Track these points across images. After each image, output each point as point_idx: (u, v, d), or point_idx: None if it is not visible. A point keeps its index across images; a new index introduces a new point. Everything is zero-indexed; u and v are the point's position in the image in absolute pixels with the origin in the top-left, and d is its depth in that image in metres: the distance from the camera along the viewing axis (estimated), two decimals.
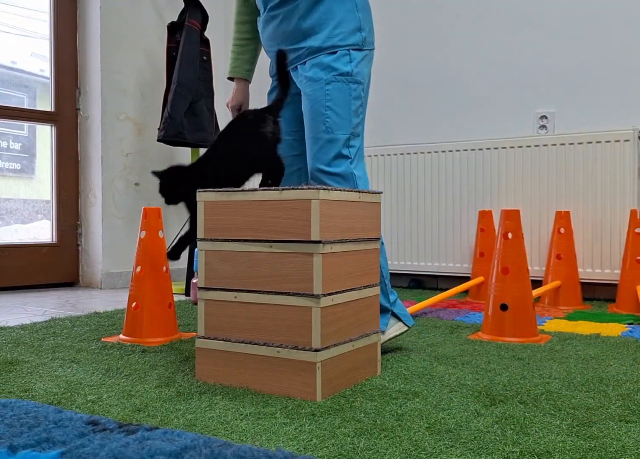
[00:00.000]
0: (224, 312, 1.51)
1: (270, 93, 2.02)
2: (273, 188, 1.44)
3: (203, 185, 1.66)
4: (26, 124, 3.54)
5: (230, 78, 2.12)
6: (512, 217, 2.10)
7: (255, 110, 1.75)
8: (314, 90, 1.82)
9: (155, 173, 1.78)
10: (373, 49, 1.92)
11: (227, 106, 2.11)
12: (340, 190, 1.46)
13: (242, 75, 2.09)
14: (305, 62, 1.84)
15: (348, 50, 1.83)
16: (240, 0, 2.07)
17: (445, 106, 3.45)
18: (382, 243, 1.86)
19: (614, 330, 2.19)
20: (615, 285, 2.83)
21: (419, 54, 3.52)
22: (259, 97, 2.10)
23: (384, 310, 1.86)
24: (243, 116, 1.77)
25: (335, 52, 1.82)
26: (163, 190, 1.78)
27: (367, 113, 3.69)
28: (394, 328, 1.91)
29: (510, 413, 1.28)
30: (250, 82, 2.12)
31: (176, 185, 1.76)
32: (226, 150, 1.73)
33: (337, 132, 1.82)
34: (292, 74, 1.90)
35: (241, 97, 2.11)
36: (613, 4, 3.01)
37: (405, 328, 1.92)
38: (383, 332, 1.87)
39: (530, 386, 1.48)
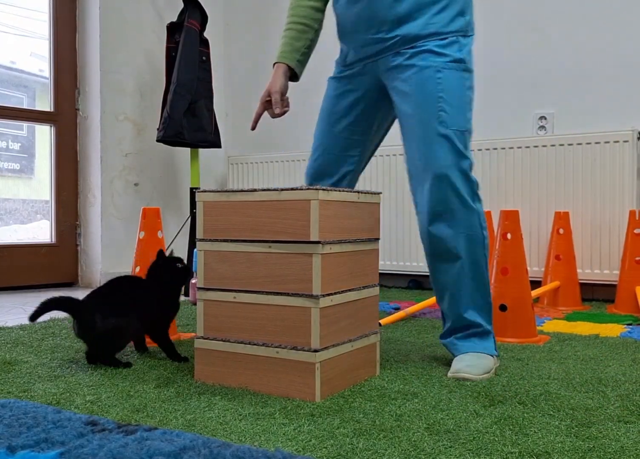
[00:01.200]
0: (223, 312, 1.51)
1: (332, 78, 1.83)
2: (272, 188, 1.44)
3: None
4: (25, 124, 3.54)
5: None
6: (511, 218, 2.10)
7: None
8: (423, 80, 1.59)
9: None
10: (474, 35, 1.71)
11: (267, 94, 1.76)
12: (340, 191, 1.46)
13: (291, 64, 1.77)
14: (399, 52, 1.64)
15: (456, 37, 1.62)
16: None
17: None
18: (485, 256, 1.66)
19: (612, 330, 2.20)
20: (614, 286, 2.83)
21: None
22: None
23: (487, 333, 1.68)
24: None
25: (445, 39, 1.61)
26: None
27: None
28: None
29: (509, 414, 1.28)
30: (297, 77, 1.82)
31: None
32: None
33: (453, 127, 1.58)
34: (373, 66, 1.71)
35: (285, 83, 1.77)
36: (612, 5, 3.01)
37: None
38: (497, 357, 1.69)
39: (529, 387, 1.48)
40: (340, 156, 1.83)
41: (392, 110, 1.83)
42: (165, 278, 1.78)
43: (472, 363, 1.59)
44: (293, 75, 1.81)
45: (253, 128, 1.80)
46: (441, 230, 1.63)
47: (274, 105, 1.75)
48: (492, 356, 1.65)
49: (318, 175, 1.85)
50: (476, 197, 1.64)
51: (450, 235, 1.62)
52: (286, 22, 1.81)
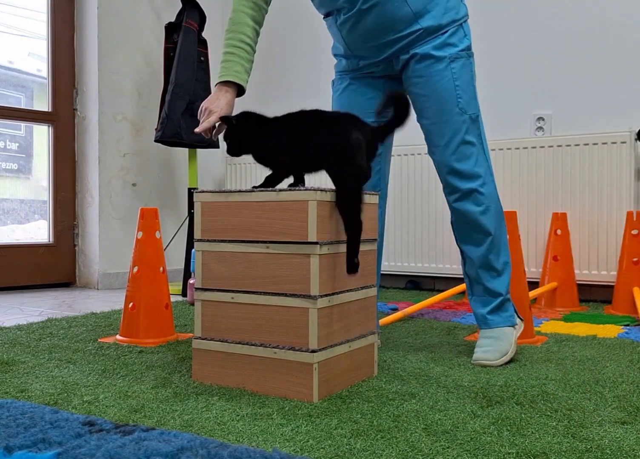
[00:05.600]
0: (221, 313, 1.51)
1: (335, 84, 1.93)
2: (270, 189, 1.44)
3: (267, 146, 1.53)
4: (23, 124, 3.54)
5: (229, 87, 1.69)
6: (508, 218, 2.10)
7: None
8: (439, 71, 1.73)
9: (226, 118, 1.57)
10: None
11: (205, 111, 1.67)
12: None
13: (242, 83, 1.70)
14: (420, 45, 1.73)
15: (461, 24, 1.76)
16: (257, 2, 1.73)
17: None
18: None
19: (610, 331, 2.20)
20: (611, 287, 2.83)
21: None
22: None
23: (501, 299, 1.81)
24: (352, 117, 1.53)
25: (448, 31, 1.73)
26: (231, 136, 1.59)
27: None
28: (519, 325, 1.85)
29: (506, 415, 1.28)
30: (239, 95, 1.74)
31: (246, 135, 1.57)
32: (311, 132, 1.49)
33: (470, 112, 1.74)
34: (386, 66, 1.82)
35: (231, 108, 1.70)
36: (610, 6, 3.01)
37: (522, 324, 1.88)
38: (514, 327, 1.81)
39: (526, 388, 1.48)
40: None
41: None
42: None
43: (488, 348, 1.74)
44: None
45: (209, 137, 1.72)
46: None
47: (217, 130, 1.69)
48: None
49: None
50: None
51: None
52: (234, 39, 1.71)
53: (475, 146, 1.75)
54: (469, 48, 1.77)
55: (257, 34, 1.76)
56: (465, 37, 1.77)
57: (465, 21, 1.78)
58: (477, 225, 1.76)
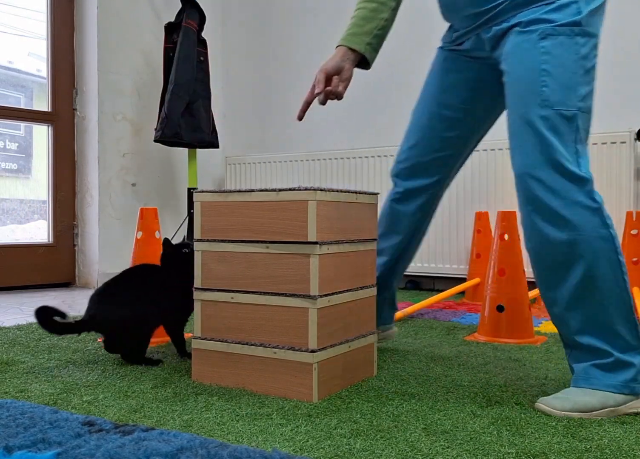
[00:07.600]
0: (221, 313, 1.51)
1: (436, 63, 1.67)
2: (270, 189, 1.44)
3: None
4: (23, 124, 3.54)
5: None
6: (508, 218, 2.10)
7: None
8: (524, 50, 1.34)
9: None
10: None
11: (320, 73, 1.53)
12: (337, 191, 1.47)
13: (357, 47, 1.51)
14: (509, 18, 1.39)
15: None
16: None
17: None
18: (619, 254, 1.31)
19: None
20: None
21: (417, 55, 3.53)
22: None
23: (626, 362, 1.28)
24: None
25: (549, 3, 1.34)
26: None
27: (364, 114, 3.70)
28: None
29: (506, 414, 1.28)
30: (368, 64, 1.56)
31: None
32: None
33: (558, 107, 1.30)
34: (480, 37, 1.49)
35: (339, 65, 1.52)
36: (609, 6, 3.01)
37: None
38: (634, 394, 1.27)
39: (526, 387, 1.48)
40: (436, 138, 1.66)
41: (497, 102, 1.67)
42: (176, 267, 1.78)
43: (565, 395, 1.30)
44: (363, 62, 1.55)
45: (300, 117, 1.58)
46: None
47: (315, 84, 1.53)
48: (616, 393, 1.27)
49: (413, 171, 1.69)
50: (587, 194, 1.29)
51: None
52: (357, 0, 1.54)
53: (562, 155, 1.29)
54: (575, 24, 1.31)
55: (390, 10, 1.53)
56: (578, 12, 1.32)
57: None
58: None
